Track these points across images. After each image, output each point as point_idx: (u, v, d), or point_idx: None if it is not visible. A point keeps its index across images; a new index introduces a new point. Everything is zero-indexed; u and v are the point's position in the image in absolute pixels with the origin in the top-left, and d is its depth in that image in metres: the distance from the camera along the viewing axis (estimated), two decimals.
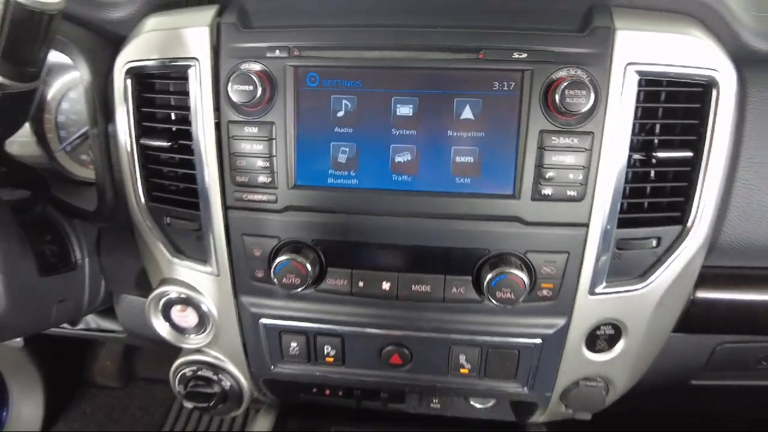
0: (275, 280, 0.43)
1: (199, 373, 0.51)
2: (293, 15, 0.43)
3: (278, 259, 0.43)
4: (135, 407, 1.22)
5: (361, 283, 0.44)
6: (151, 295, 0.49)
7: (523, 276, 0.41)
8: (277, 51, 0.42)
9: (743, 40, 0.43)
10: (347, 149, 0.43)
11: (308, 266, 0.43)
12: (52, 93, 0.57)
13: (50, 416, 1.18)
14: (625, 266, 0.44)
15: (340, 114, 0.43)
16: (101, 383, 1.25)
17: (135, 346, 1.29)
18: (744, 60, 0.42)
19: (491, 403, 0.56)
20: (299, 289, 0.44)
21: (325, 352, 0.48)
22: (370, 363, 0.48)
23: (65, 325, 0.70)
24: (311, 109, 0.43)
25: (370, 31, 0.42)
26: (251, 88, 0.41)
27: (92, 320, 0.72)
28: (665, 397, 0.63)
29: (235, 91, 0.42)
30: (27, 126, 0.61)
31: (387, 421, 0.61)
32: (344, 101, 0.42)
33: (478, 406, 0.56)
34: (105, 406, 1.22)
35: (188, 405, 0.52)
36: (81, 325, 0.75)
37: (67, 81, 0.57)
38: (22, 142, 0.58)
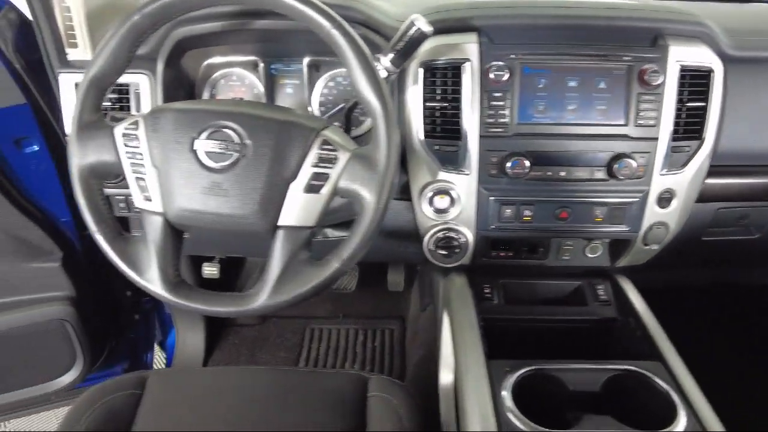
0: (509, 171, 0.85)
1: (447, 234, 0.92)
2: (514, 38, 0.86)
3: (509, 161, 0.85)
4: (273, 337, 1.57)
5: (549, 173, 0.87)
6: (425, 190, 0.89)
7: (633, 162, 0.85)
8: (512, 55, 0.84)
9: (724, 50, 0.89)
10: (543, 103, 0.86)
11: (527, 163, 0.85)
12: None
13: (209, 347, 1.51)
14: (674, 161, 0.88)
15: (540, 86, 0.86)
16: (242, 322, 1.59)
17: None
18: (727, 60, 0.87)
19: (599, 252, 0.99)
20: (523, 178, 0.86)
21: (524, 214, 0.90)
22: (547, 219, 0.90)
23: None
24: (526, 84, 0.85)
25: (556, 47, 0.85)
26: (500, 73, 0.84)
27: (330, 232, 1.09)
28: (686, 253, 1.07)
29: (493, 76, 0.84)
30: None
31: (529, 275, 1.04)
32: (542, 79, 0.86)
33: (590, 255, 0.99)
34: (248, 339, 1.56)
35: (441, 252, 0.92)
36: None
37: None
38: None
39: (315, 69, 0.98)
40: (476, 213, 0.90)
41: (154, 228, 0.69)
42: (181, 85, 0.97)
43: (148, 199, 0.69)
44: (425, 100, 0.86)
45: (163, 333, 1.62)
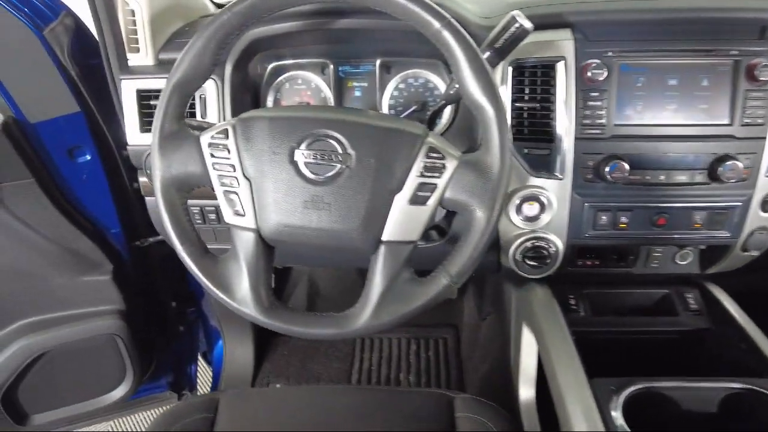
0: (608, 176, 0.80)
1: (536, 243, 0.87)
2: (611, 34, 0.80)
3: (608, 165, 0.80)
4: (324, 347, 1.52)
5: (648, 176, 0.81)
6: (513, 197, 0.84)
7: (739, 164, 0.79)
8: (609, 53, 0.79)
9: None
10: (641, 103, 0.80)
11: (626, 167, 0.79)
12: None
13: (258, 359, 1.47)
14: None
15: (638, 85, 0.80)
16: None
17: (315, 301, 1.60)
18: None
19: (690, 259, 0.93)
20: (620, 182, 0.80)
21: (620, 220, 0.84)
22: (644, 226, 0.85)
23: None
24: (623, 83, 0.80)
25: (655, 43, 0.79)
26: (598, 72, 0.78)
27: None
28: None
29: (590, 74, 0.78)
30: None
31: (612, 283, 0.98)
32: (640, 78, 0.80)
33: (680, 262, 0.94)
34: (299, 349, 1.52)
35: (531, 263, 0.87)
36: None
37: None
38: None
39: (386, 70, 0.93)
40: (569, 220, 0.84)
41: (245, 245, 0.64)
42: (246, 90, 0.92)
43: (239, 214, 0.64)
44: (514, 101, 0.81)
45: (208, 344, 1.58)
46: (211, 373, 1.61)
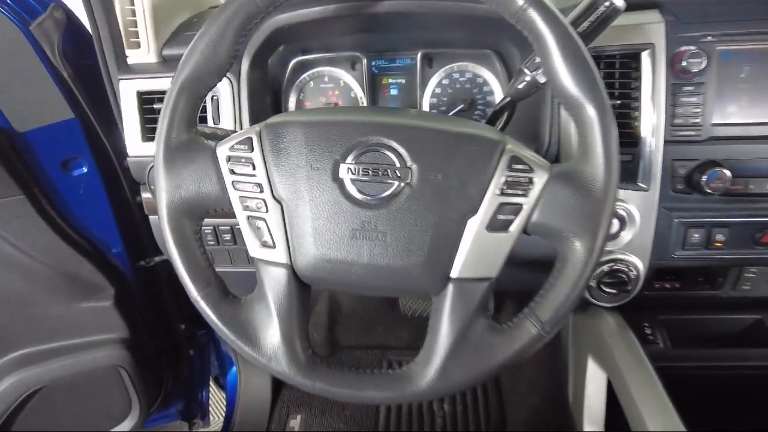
0: (705, 186, 0.66)
1: (614, 267, 0.73)
2: (708, 16, 0.67)
3: (705, 173, 0.66)
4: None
5: (752, 186, 0.68)
6: None
7: None
8: (708, 37, 0.65)
9: None
10: (746, 98, 0.67)
11: (728, 174, 0.66)
12: None
13: (276, 386, 1.34)
14: None
15: (742, 75, 0.67)
16: None
17: (337, 319, 1.47)
18: None
19: None
20: (717, 193, 0.67)
21: (716, 239, 0.71)
22: (743, 244, 0.71)
23: None
24: (724, 73, 0.66)
25: (762, 24, 0.66)
26: (694, 61, 0.65)
27: None
28: None
29: (685, 64, 0.65)
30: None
31: (692, 308, 0.85)
32: (744, 67, 0.66)
33: None
34: None
35: (609, 290, 0.74)
36: None
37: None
38: None
39: (428, 64, 0.80)
40: (654, 239, 0.71)
41: (276, 285, 0.51)
42: (266, 90, 0.79)
43: (268, 246, 0.51)
44: None
45: (221, 368, 1.45)
46: (224, 399, 1.48)
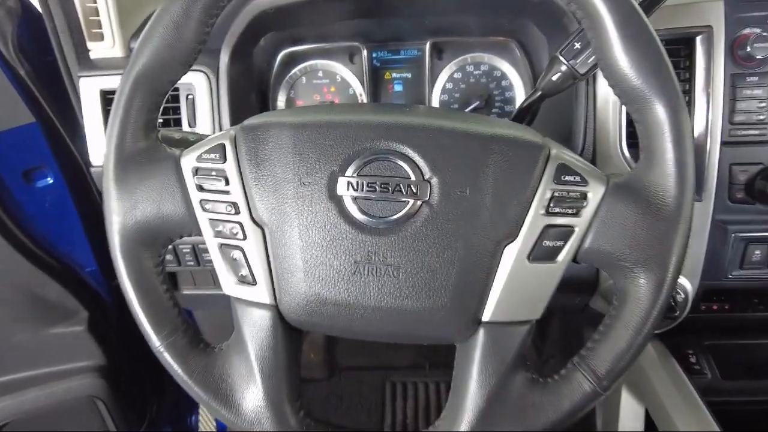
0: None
1: None
2: None
3: None
4: (348, 394, 1.29)
5: None
6: None
7: None
8: None
9: None
10: None
11: None
12: None
13: None
14: None
15: None
16: (308, 376, 1.31)
17: (335, 338, 1.36)
18: None
19: None
20: None
21: None
22: None
23: None
24: None
25: None
26: (761, 46, 0.55)
27: None
28: None
29: (748, 49, 0.54)
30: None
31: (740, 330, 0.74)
32: None
33: None
34: (319, 398, 1.28)
35: None
36: None
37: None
38: None
39: (437, 55, 0.70)
40: (706, 256, 0.61)
41: (257, 331, 0.40)
42: (251, 87, 0.68)
43: (247, 282, 0.40)
44: None
45: None
46: (215, 423, 1.38)
